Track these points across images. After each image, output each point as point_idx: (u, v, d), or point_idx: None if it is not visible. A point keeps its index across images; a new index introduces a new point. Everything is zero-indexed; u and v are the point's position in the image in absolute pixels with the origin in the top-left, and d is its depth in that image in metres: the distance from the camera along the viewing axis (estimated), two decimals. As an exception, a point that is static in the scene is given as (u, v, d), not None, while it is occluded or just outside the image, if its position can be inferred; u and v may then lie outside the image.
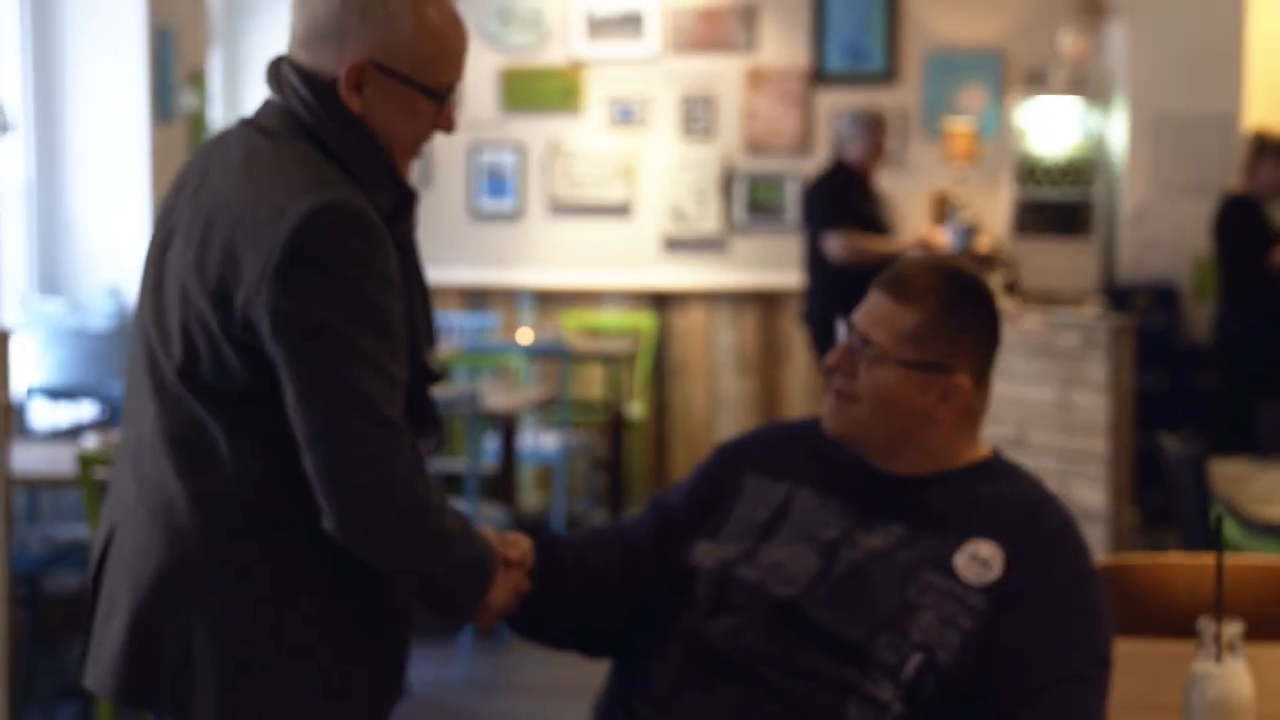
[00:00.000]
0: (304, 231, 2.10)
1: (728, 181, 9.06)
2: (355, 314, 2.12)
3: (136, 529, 2.23)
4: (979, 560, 2.28)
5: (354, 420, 2.12)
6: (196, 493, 2.18)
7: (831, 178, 7.51)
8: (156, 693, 2.20)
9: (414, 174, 8.17)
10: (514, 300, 9.16)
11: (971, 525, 2.31)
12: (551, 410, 7.96)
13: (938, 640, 2.22)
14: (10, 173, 6.69)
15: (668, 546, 2.48)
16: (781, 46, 9.02)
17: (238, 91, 8.36)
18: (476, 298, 9.17)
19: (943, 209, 8.79)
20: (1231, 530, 4.54)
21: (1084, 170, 8.62)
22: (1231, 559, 2.79)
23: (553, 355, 7.87)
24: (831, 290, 7.26)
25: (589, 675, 2.61)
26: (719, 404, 9.06)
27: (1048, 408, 6.85)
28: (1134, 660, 2.59)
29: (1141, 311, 8.03)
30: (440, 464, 5.85)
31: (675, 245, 9.09)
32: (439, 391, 6.88)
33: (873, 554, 2.31)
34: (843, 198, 7.36)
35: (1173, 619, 2.87)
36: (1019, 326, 7.04)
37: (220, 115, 8.04)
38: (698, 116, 9.06)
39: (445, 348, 8.02)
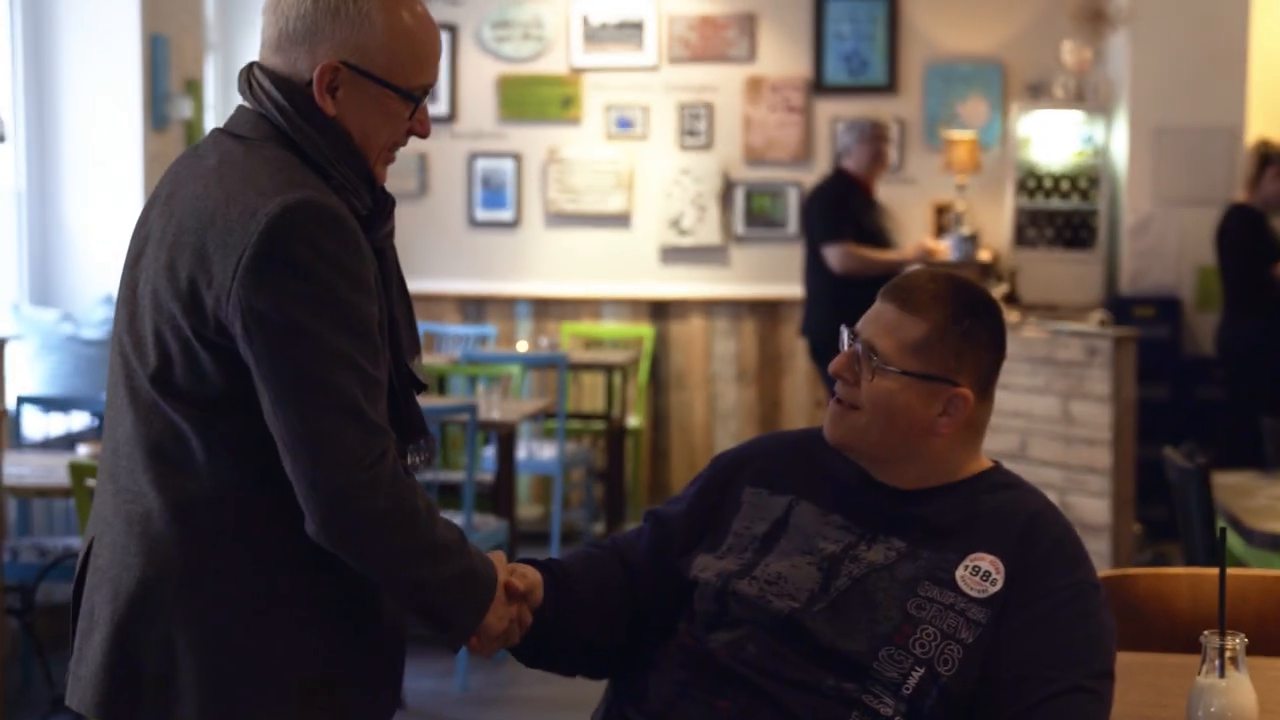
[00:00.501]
0: (275, 230, 2.08)
1: (727, 191, 9.03)
2: (328, 312, 2.09)
3: (115, 540, 2.21)
4: (980, 573, 2.26)
5: (331, 420, 2.09)
6: (174, 501, 2.15)
7: (831, 187, 7.47)
8: (139, 706, 2.17)
9: (412, 183, 8.13)
10: (512, 310, 9.13)
11: (973, 538, 2.30)
12: (549, 420, 7.93)
13: (939, 654, 2.21)
14: (4, 181, 6.66)
15: (666, 560, 2.46)
16: (781, 56, 9.00)
17: (232, 100, 8.31)
18: (474, 307, 9.14)
19: (943, 220, 8.77)
20: (1235, 543, 4.51)
21: (1086, 181, 8.60)
22: (1235, 572, 2.77)
23: (551, 365, 7.84)
24: (831, 301, 7.23)
25: (586, 689, 2.58)
26: (718, 414, 9.03)
27: (1049, 419, 6.82)
28: (1137, 673, 2.56)
29: (1144, 323, 8.00)
30: (437, 475, 5.81)
31: (674, 255, 9.07)
32: (436, 401, 6.86)
33: (873, 568, 2.29)
34: (843, 207, 7.33)
35: (1176, 632, 2.85)
36: (1020, 337, 7.00)
37: (215, 123, 8.02)
38: (697, 126, 9.04)
39: (443, 358, 7.99)
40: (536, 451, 7.66)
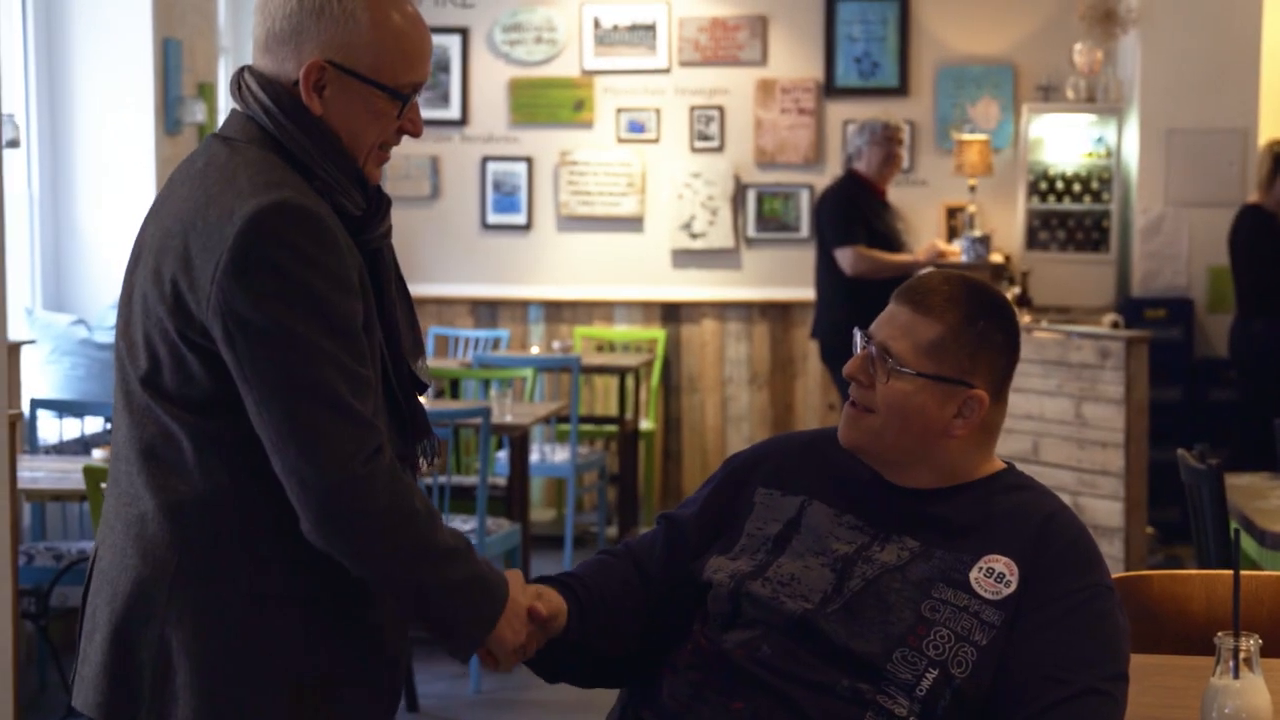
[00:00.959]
0: (250, 232, 2.08)
1: (738, 194, 9.03)
2: (307, 311, 2.08)
3: (115, 543, 2.22)
4: (994, 575, 2.26)
5: (317, 416, 2.08)
6: (167, 503, 2.16)
7: (843, 189, 7.47)
8: (138, 707, 2.18)
9: (424, 187, 8.13)
10: (524, 313, 9.14)
11: (986, 540, 2.29)
12: (562, 424, 7.94)
13: (952, 656, 2.21)
14: (17, 186, 6.67)
15: (680, 563, 2.45)
16: (792, 59, 9.00)
17: (247, 104, 8.35)
18: (487, 311, 9.15)
19: (955, 222, 8.77)
20: (1248, 545, 4.51)
21: (1097, 183, 8.59)
22: (1249, 574, 2.77)
23: (563, 369, 7.84)
24: (843, 303, 7.23)
25: (599, 691, 2.58)
26: (730, 417, 9.03)
27: (1062, 422, 6.81)
28: (1151, 675, 2.56)
29: (1155, 324, 7.99)
30: (450, 478, 5.82)
31: (686, 258, 9.07)
32: (449, 405, 6.87)
33: (886, 568, 2.29)
34: (855, 210, 7.33)
35: (1190, 634, 2.85)
36: (1032, 339, 7.00)
37: (230, 128, 8.02)
38: (708, 129, 9.04)
39: (455, 361, 8.00)
40: (549, 455, 7.66)
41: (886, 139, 7.41)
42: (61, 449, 5.98)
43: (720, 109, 9.03)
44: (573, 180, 9.10)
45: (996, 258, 8.13)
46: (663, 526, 2.53)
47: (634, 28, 9.04)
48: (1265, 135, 8.07)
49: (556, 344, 8.42)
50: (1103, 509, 6.64)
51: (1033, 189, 8.65)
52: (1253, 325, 7.62)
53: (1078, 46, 8.51)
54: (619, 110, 9.07)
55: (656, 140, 9.07)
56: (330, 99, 2.20)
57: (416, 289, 8.95)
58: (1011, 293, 7.85)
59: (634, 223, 9.12)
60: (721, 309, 9.03)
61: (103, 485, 4.39)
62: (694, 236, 9.04)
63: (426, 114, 9.02)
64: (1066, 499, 6.63)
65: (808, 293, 8.12)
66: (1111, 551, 6.58)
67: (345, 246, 2.15)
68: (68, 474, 5.10)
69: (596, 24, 9.05)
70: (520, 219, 9.18)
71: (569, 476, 7.59)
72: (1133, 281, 8.41)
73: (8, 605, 3.81)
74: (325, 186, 2.19)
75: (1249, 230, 7.64)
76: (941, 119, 8.93)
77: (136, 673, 2.17)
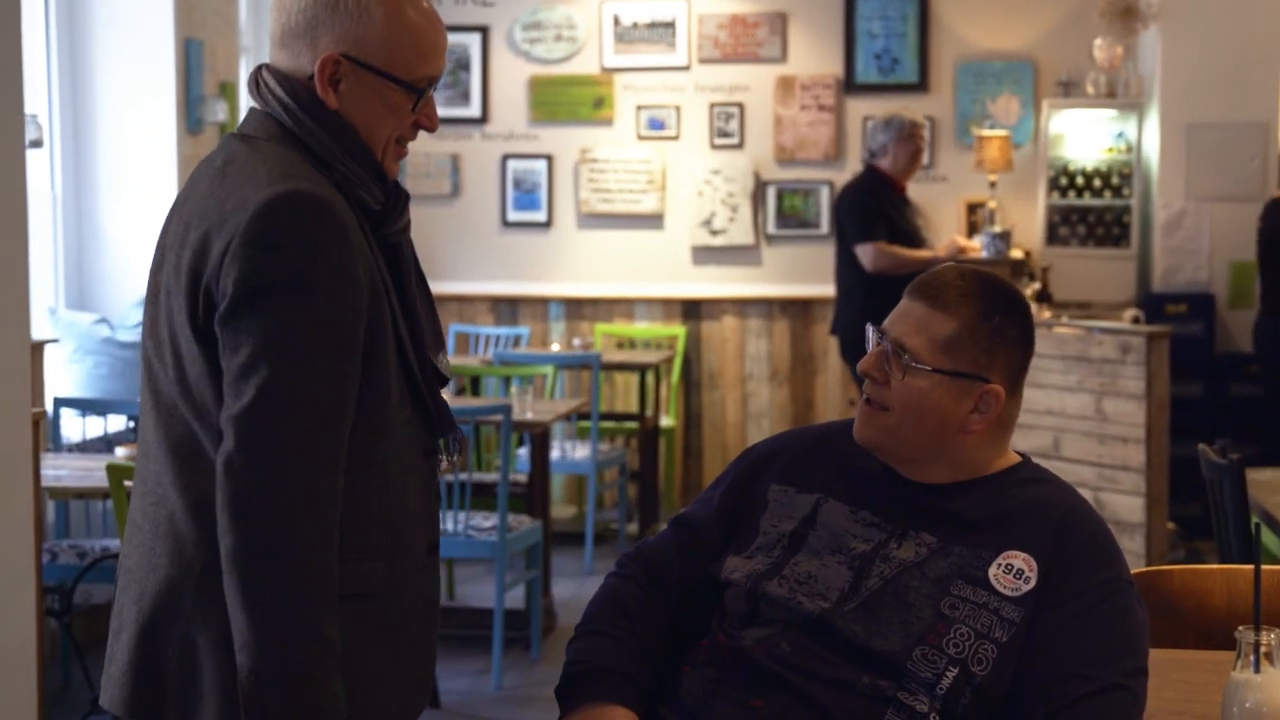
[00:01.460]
0: (261, 218, 2.09)
1: (758, 191, 9.03)
2: (303, 299, 2.08)
3: (143, 542, 2.22)
4: (1013, 571, 2.25)
5: (276, 408, 2.06)
6: (193, 502, 2.16)
7: (863, 185, 7.45)
8: (164, 706, 2.18)
9: (445, 185, 8.14)
10: (545, 311, 9.15)
11: (1005, 536, 2.28)
12: (583, 421, 7.95)
13: (973, 654, 2.20)
14: (40, 186, 6.70)
15: (700, 565, 2.43)
16: (812, 55, 9.00)
17: (268, 103, 8.37)
18: (507, 308, 9.17)
19: (975, 217, 8.76)
20: (1269, 540, 4.50)
21: (1118, 178, 8.58)
22: (1270, 568, 2.77)
23: (584, 366, 7.86)
24: (862, 299, 7.22)
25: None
26: (750, 414, 9.03)
27: (1082, 417, 6.80)
28: (1172, 670, 2.56)
29: (1176, 319, 7.98)
30: (471, 475, 5.84)
31: (706, 255, 9.07)
32: (470, 402, 6.87)
33: (905, 566, 2.28)
34: (876, 206, 7.31)
35: (1211, 629, 2.85)
36: (1052, 335, 6.99)
37: (251, 127, 8.05)
38: (728, 126, 9.04)
39: (476, 359, 8.01)
40: (570, 452, 7.67)
41: (912, 136, 7.39)
42: (85, 447, 6.01)
43: (740, 106, 9.03)
44: (593, 178, 9.11)
45: (1017, 253, 8.12)
46: (677, 531, 2.51)
47: (653, 25, 9.04)
48: (1286, 130, 8.05)
49: (577, 341, 8.43)
50: (1124, 504, 6.63)
51: (1053, 184, 8.63)
52: (1276, 320, 7.60)
53: (1098, 42, 8.49)
54: (639, 107, 9.08)
55: (676, 137, 9.07)
56: (346, 93, 2.21)
57: (437, 287, 8.96)
58: (1032, 288, 7.84)
59: (654, 220, 9.12)
60: (742, 305, 9.03)
61: (126, 483, 4.41)
62: (714, 233, 9.05)
63: (447, 112, 9.08)
64: (1087, 494, 6.66)
65: (828, 289, 8.12)
66: (1133, 547, 6.58)
67: (358, 241, 2.15)
68: (91, 472, 5.12)
69: (616, 21, 9.06)
70: (540, 216, 9.19)
71: (590, 473, 7.60)
72: (1154, 277, 8.39)
73: (31, 602, 3.83)
74: (344, 181, 2.20)
75: (1276, 224, 7.62)
76: (961, 115, 8.92)
77: (163, 672, 2.17)
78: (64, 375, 6.53)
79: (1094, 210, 8.61)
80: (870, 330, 2.40)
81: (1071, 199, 8.62)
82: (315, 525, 2.07)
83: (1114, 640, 2.22)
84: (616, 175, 9.10)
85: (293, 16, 2.22)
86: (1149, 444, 6.57)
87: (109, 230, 6.92)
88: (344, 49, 2.19)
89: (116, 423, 6.26)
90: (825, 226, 8.87)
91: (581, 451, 7.70)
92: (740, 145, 9.04)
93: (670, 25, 9.03)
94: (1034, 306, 7.71)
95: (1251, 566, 2.72)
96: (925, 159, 8.44)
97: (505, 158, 9.19)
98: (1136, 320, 7.31)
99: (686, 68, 9.05)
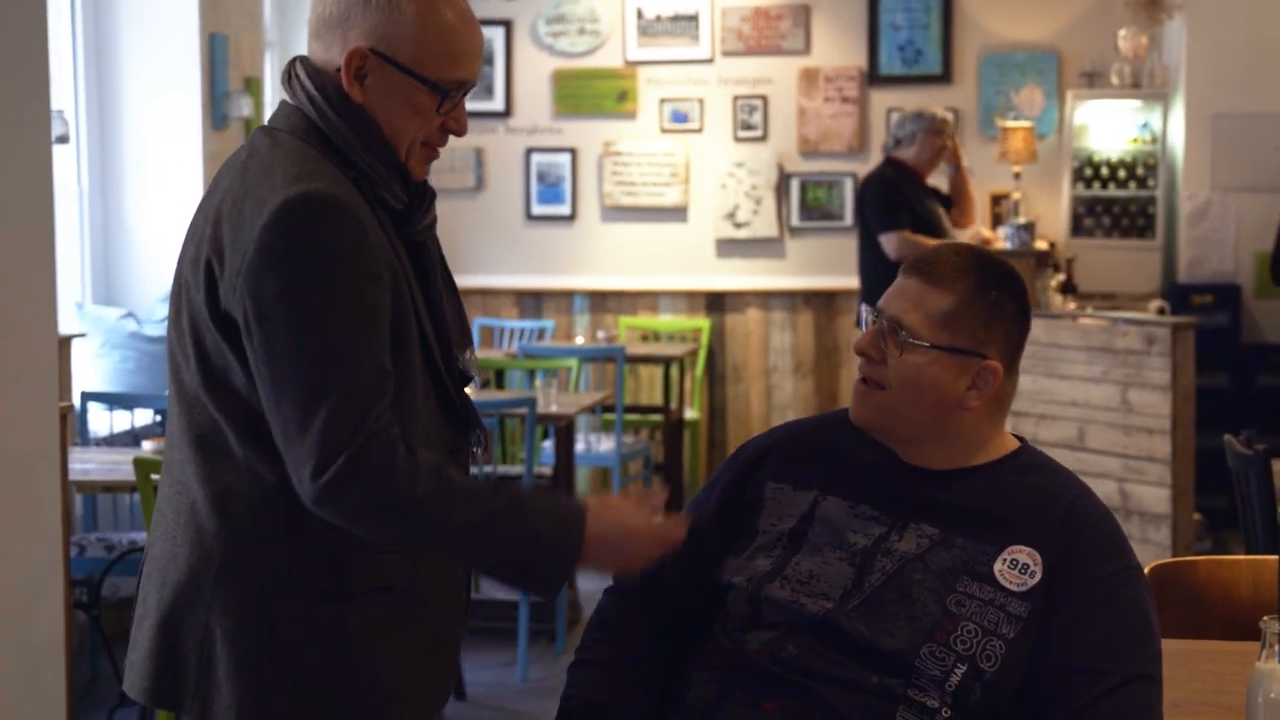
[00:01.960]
0: (276, 223, 2.09)
1: (782, 183, 9.03)
2: (326, 303, 2.08)
3: (167, 531, 2.24)
4: (1018, 567, 2.23)
5: (323, 410, 2.07)
6: (215, 493, 2.18)
7: (885, 176, 7.43)
8: (182, 694, 2.19)
9: (469, 179, 8.12)
10: (569, 304, 9.16)
11: (1009, 530, 2.26)
12: (607, 413, 7.96)
13: (981, 651, 2.18)
14: (67, 181, 6.73)
15: (702, 571, 2.39)
16: (835, 47, 8.99)
17: (292, 98, 8.39)
18: (532, 301, 9.18)
19: (999, 209, 8.74)
20: (1296, 530, 4.48)
21: (1143, 169, 8.56)
22: (1296, 558, 2.76)
23: (608, 358, 7.86)
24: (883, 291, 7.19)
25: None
26: (775, 406, 9.03)
27: (1108, 408, 6.79)
28: (1198, 660, 2.56)
29: (1202, 310, 7.95)
30: (496, 468, 5.85)
31: (730, 247, 9.07)
32: (495, 395, 6.88)
33: (906, 559, 2.25)
34: (899, 195, 7.30)
35: (1236, 619, 2.85)
36: (1077, 326, 6.98)
37: (275, 122, 8.07)
38: (752, 119, 9.04)
39: (501, 352, 8.03)
40: (595, 444, 7.68)
41: (939, 131, 7.37)
42: (112, 441, 6.04)
43: (763, 98, 9.03)
44: (616, 171, 9.12)
45: (1041, 245, 8.10)
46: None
47: (676, 18, 9.04)
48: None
49: (601, 334, 8.43)
50: (1149, 495, 6.62)
51: (1078, 175, 8.61)
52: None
53: (1122, 32, 8.47)
54: (662, 101, 9.08)
55: (700, 130, 9.07)
56: (371, 88, 2.20)
57: (461, 280, 8.95)
58: (1056, 280, 7.82)
59: (678, 213, 9.13)
60: (765, 298, 9.03)
61: (153, 476, 4.43)
62: (738, 226, 9.05)
63: (470, 106, 9.03)
64: (1113, 486, 6.65)
65: (852, 281, 8.12)
66: (1158, 538, 6.56)
67: (377, 239, 2.14)
68: (118, 465, 5.14)
69: (639, 15, 9.06)
70: (564, 210, 9.20)
71: (614, 466, 7.61)
72: (1179, 267, 8.37)
73: (60, 596, 3.85)
74: (365, 178, 2.19)
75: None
76: (985, 106, 8.90)
77: (182, 660, 2.19)
78: (91, 370, 6.56)
79: (1119, 201, 8.59)
80: (864, 309, 2.37)
81: (1096, 190, 8.60)
82: (422, 494, 2.11)
83: (1129, 632, 2.20)
84: (640, 168, 9.10)
85: (328, 7, 2.22)
86: (1174, 435, 6.56)
87: (135, 225, 6.94)
88: (372, 43, 2.18)
89: (143, 417, 6.28)
90: (849, 218, 8.86)
91: (606, 444, 7.71)
92: (764, 138, 9.04)
93: (693, 18, 9.03)
94: (1059, 298, 7.70)
95: (1277, 557, 2.72)
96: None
97: (529, 151, 9.20)
98: (1162, 311, 7.29)
99: (710, 60, 9.05)
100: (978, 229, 8.03)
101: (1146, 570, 2.84)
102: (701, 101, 9.06)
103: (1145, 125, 8.57)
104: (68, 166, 6.73)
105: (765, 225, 9.00)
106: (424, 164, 2.27)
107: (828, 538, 2.31)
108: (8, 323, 3.59)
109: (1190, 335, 6.64)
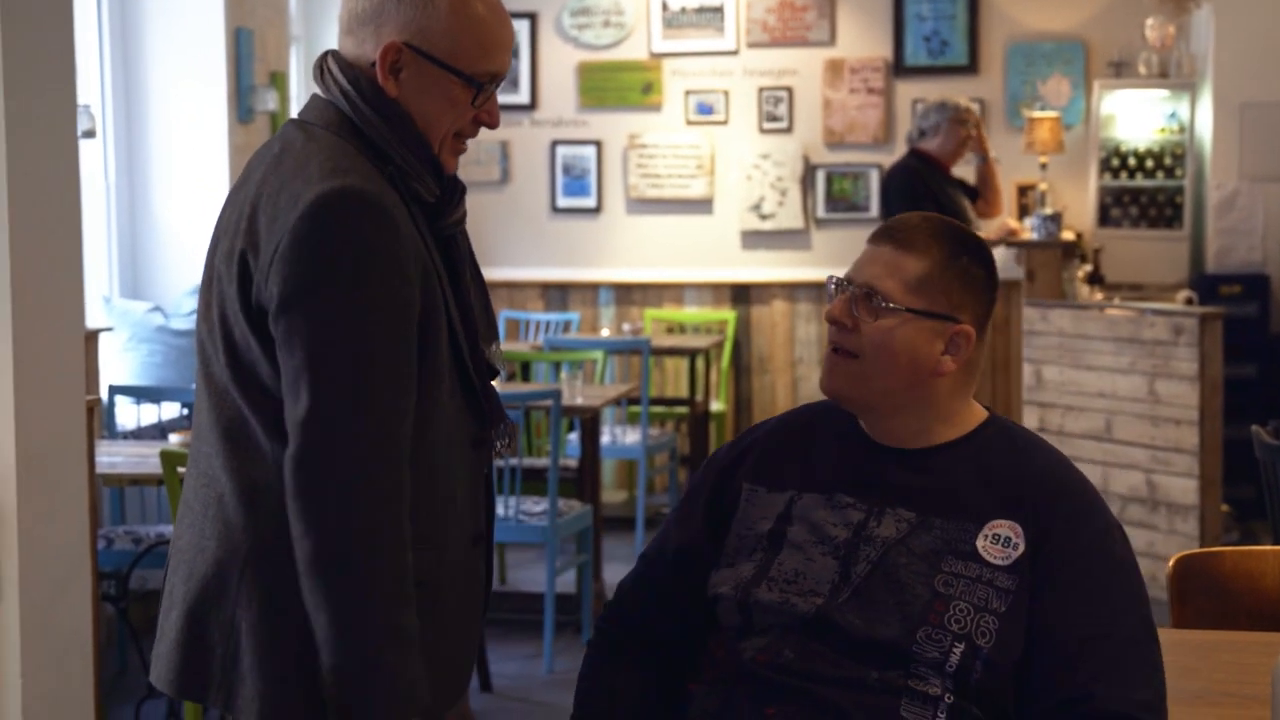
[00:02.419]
0: (310, 218, 2.10)
1: (807, 175, 9.01)
2: (355, 299, 2.10)
3: (193, 523, 2.25)
4: (1001, 541, 2.22)
5: (338, 410, 2.09)
6: (242, 485, 2.19)
7: (910, 166, 7.40)
8: (208, 685, 2.21)
9: (494, 172, 8.14)
10: (595, 296, 9.17)
11: (985, 505, 2.25)
12: (633, 405, 7.96)
13: (975, 628, 2.17)
14: (94, 176, 6.76)
15: (692, 585, 2.37)
16: (861, 38, 8.97)
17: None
18: (557, 294, 9.19)
19: (1026, 199, 8.72)
20: (1324, 521, 4.46)
21: (1170, 159, 8.52)
22: (1323, 549, 2.75)
23: (634, 351, 7.87)
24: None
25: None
26: (801, 398, 9.01)
27: (1135, 399, 6.77)
28: (1224, 651, 2.55)
29: (1230, 300, 7.92)
30: (521, 460, 5.86)
31: (755, 239, 9.07)
32: (520, 387, 6.89)
33: (889, 545, 2.24)
34: (924, 186, 7.27)
35: (1263, 610, 2.84)
36: (1104, 317, 6.95)
37: (301, 115, 8.08)
38: (777, 110, 9.03)
39: (526, 344, 8.04)
40: (620, 437, 7.69)
41: (964, 121, 7.34)
42: (139, 434, 6.06)
43: (789, 90, 9.01)
44: (642, 163, 9.12)
45: (1068, 235, 8.07)
46: (648, 566, 2.43)
47: (701, 10, 9.03)
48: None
49: (627, 326, 8.43)
50: (1177, 486, 6.59)
51: (1105, 166, 8.58)
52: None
53: (1149, 21, 8.43)
54: (687, 92, 9.08)
55: (725, 122, 9.07)
56: (406, 82, 2.21)
57: (488, 273, 8.93)
58: (1083, 270, 7.80)
59: (703, 204, 9.12)
60: (791, 290, 9.02)
61: (179, 469, 4.45)
62: (763, 218, 9.04)
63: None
64: (1140, 477, 6.64)
65: (878, 273, 8.08)
66: (1186, 529, 6.54)
67: (408, 235, 2.15)
68: (145, 459, 5.17)
69: (664, 6, 9.06)
70: (590, 202, 9.20)
71: (640, 458, 7.61)
72: (1207, 257, 8.33)
73: (87, 588, 3.87)
74: (399, 172, 2.20)
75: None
76: (1012, 97, 8.88)
77: (208, 652, 2.20)
78: (118, 363, 6.59)
79: (1146, 191, 8.56)
80: (830, 280, 2.36)
81: (1124, 180, 8.57)
82: (387, 521, 2.10)
83: (1120, 592, 2.20)
84: (665, 160, 9.10)
85: (360, 2, 2.23)
86: (1202, 426, 6.54)
87: (162, 219, 6.96)
88: (407, 37, 2.20)
89: (170, 410, 6.31)
90: (875, 210, 8.85)
91: (632, 436, 7.71)
92: (789, 129, 9.03)
93: (718, 10, 9.02)
94: (1085, 289, 7.68)
95: (1303, 547, 2.71)
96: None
97: (554, 144, 9.20)
98: (1190, 302, 7.26)
99: (735, 52, 9.04)
100: (1004, 219, 8.00)
101: (1171, 562, 2.85)
102: (727, 93, 9.05)
103: (1173, 115, 8.53)
104: (95, 161, 6.76)
105: (791, 217, 8.99)
106: (454, 156, 2.29)
107: (808, 534, 2.29)
108: (35, 317, 3.60)
109: (1218, 325, 6.61)
